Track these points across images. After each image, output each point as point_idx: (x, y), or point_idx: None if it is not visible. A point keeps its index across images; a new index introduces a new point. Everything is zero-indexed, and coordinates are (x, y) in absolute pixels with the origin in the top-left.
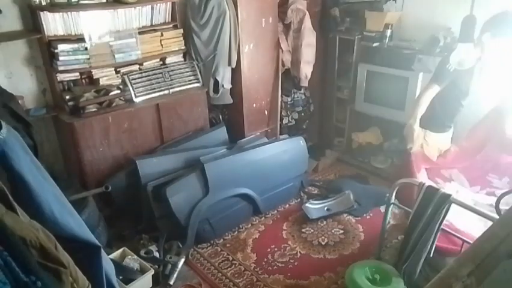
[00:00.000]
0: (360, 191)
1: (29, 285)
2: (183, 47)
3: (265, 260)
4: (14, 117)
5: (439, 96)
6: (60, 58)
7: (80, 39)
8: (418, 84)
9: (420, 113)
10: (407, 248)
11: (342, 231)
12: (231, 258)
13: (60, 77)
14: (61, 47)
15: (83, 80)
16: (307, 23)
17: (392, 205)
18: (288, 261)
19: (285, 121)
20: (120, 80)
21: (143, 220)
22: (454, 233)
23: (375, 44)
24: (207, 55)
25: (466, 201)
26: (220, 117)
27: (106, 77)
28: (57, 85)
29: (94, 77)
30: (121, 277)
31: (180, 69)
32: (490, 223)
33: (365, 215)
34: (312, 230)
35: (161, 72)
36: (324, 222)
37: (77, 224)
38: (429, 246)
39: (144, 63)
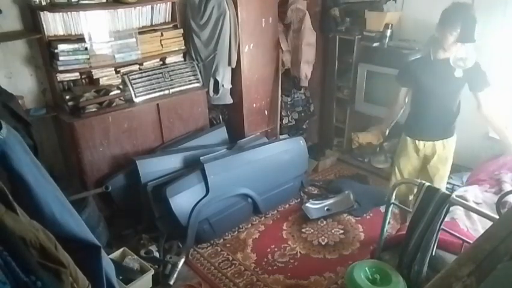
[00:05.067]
0: (360, 191)
1: (29, 285)
2: (183, 47)
3: (265, 260)
4: (14, 117)
5: None
6: (60, 58)
7: (80, 39)
8: None
9: None
10: (408, 248)
11: (342, 231)
12: (231, 258)
13: (60, 77)
14: (61, 47)
15: (83, 80)
16: (307, 23)
17: (392, 205)
18: (288, 261)
19: (285, 121)
20: (120, 80)
21: (143, 220)
22: (454, 233)
23: (375, 44)
24: (207, 55)
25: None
26: (220, 117)
27: (106, 77)
28: (57, 85)
29: (94, 77)
30: (121, 277)
31: (180, 69)
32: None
33: (365, 215)
34: (312, 230)
35: (161, 72)
36: (324, 222)
37: (77, 224)
38: (431, 246)
39: (144, 63)
